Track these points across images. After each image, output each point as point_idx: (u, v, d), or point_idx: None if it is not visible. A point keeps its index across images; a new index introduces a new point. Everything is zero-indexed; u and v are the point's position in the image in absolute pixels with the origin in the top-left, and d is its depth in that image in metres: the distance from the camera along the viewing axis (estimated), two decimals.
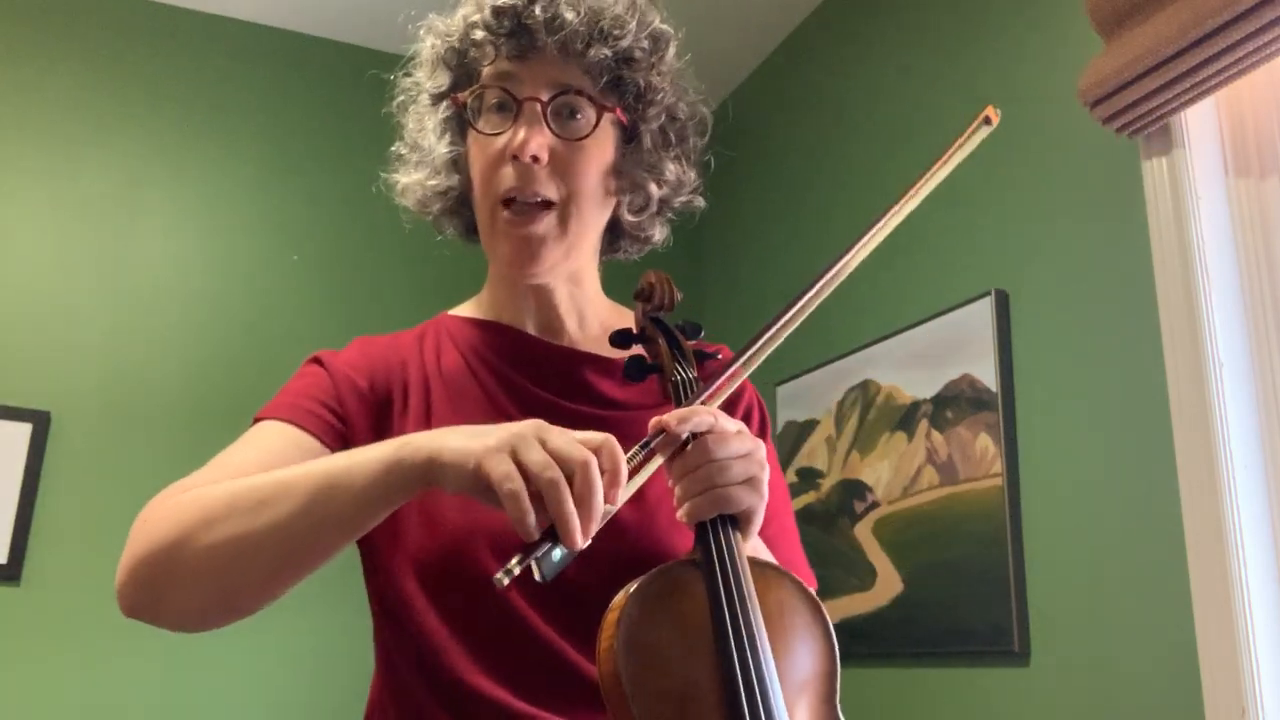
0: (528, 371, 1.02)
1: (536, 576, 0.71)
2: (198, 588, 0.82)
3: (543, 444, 0.73)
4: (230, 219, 2.84)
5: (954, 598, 2.04)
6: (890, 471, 2.28)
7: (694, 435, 0.83)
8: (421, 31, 1.05)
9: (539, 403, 0.99)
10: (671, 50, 1.03)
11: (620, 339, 0.97)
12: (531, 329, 1.05)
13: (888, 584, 2.22)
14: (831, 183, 2.69)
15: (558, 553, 0.72)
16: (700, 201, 1.09)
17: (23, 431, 2.49)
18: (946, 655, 2.08)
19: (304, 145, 2.93)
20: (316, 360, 1.02)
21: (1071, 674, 1.81)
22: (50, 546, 2.47)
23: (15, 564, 2.42)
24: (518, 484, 0.71)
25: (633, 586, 0.79)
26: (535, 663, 0.89)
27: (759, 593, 0.80)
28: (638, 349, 0.98)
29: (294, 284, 2.84)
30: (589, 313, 1.07)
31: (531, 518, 0.71)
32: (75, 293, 2.64)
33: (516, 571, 0.70)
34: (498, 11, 0.97)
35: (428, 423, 0.97)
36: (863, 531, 2.32)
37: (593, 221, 1.01)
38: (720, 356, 1.00)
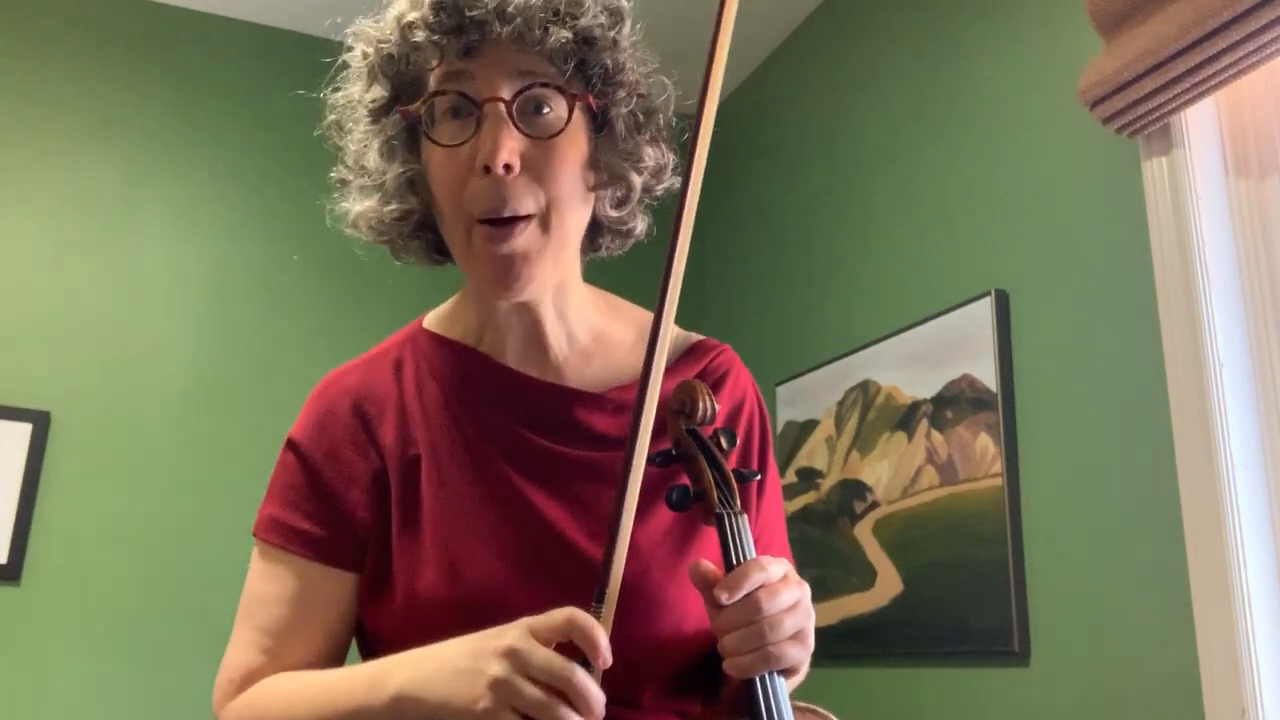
0: (514, 410, 0.95)
1: None
2: None
3: (525, 673, 0.74)
4: (231, 219, 2.84)
5: (954, 598, 2.04)
6: (890, 471, 2.28)
7: None
8: (349, 38, 0.94)
9: (529, 450, 0.93)
10: (628, 24, 0.93)
11: (661, 460, 0.90)
12: (515, 354, 0.98)
13: (888, 584, 2.22)
14: (832, 182, 2.69)
15: None
16: (679, 182, 0.97)
17: (23, 431, 2.49)
18: (946, 655, 2.08)
19: (306, 145, 2.92)
20: (292, 447, 0.96)
21: (1071, 674, 1.81)
22: (50, 546, 2.47)
23: (15, 564, 2.42)
24: None
25: None
26: None
27: None
28: (675, 471, 0.91)
29: (295, 284, 2.84)
30: (576, 324, 0.99)
31: None
32: (75, 293, 2.64)
33: None
34: (437, 6, 0.86)
35: (413, 514, 0.93)
36: (863, 531, 2.32)
37: (576, 225, 0.93)
38: (758, 476, 0.95)
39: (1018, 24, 2.13)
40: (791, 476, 2.59)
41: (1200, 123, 1.75)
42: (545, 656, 0.74)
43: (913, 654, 2.16)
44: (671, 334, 1.02)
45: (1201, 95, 1.66)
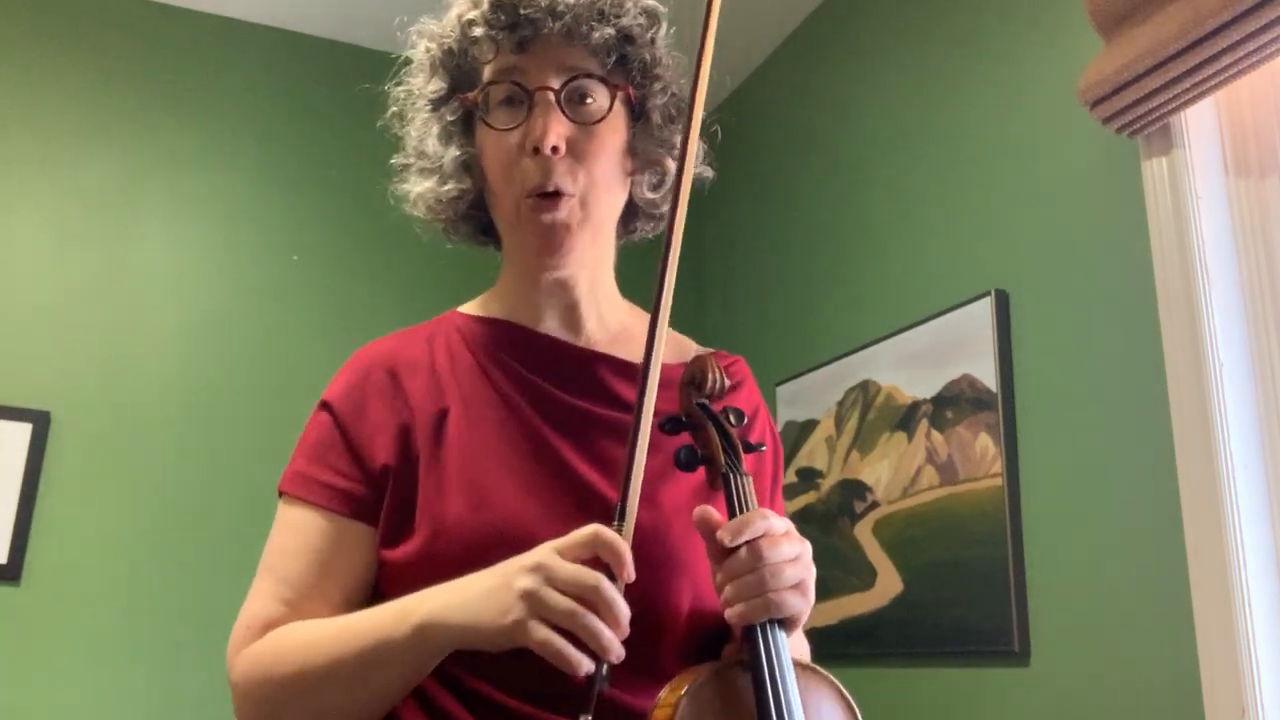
0: (544, 372, 1.00)
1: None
2: None
3: (551, 583, 0.77)
4: (231, 220, 2.84)
5: (954, 598, 2.04)
6: (890, 471, 2.28)
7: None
8: (413, 36, 1.03)
9: (558, 405, 0.98)
10: (664, 27, 1.02)
11: (671, 426, 0.94)
12: (549, 327, 1.03)
13: (888, 584, 2.22)
14: (832, 182, 2.69)
15: (606, 667, 0.77)
16: (709, 171, 1.07)
17: (23, 431, 2.49)
18: (946, 655, 2.08)
19: (305, 144, 2.92)
20: (325, 406, 1.00)
21: (1071, 674, 1.81)
22: (50, 546, 2.47)
23: (15, 564, 2.42)
24: (559, 643, 0.76)
25: (684, 687, 0.81)
26: (540, 665, 0.88)
27: (800, 694, 0.83)
28: (685, 436, 0.95)
29: (294, 283, 2.84)
30: (608, 312, 1.06)
31: (586, 663, 0.76)
32: (75, 292, 2.64)
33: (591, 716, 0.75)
34: (496, 5, 0.96)
35: (441, 454, 0.95)
36: (863, 531, 2.32)
37: (614, 205, 1.02)
38: (764, 448, 1.00)
39: (1018, 24, 2.13)
40: (791, 476, 2.59)
41: (1200, 123, 1.75)
42: (573, 568, 0.78)
43: (912, 654, 2.16)
44: (694, 349, 1.09)
45: (1201, 95, 1.66)
